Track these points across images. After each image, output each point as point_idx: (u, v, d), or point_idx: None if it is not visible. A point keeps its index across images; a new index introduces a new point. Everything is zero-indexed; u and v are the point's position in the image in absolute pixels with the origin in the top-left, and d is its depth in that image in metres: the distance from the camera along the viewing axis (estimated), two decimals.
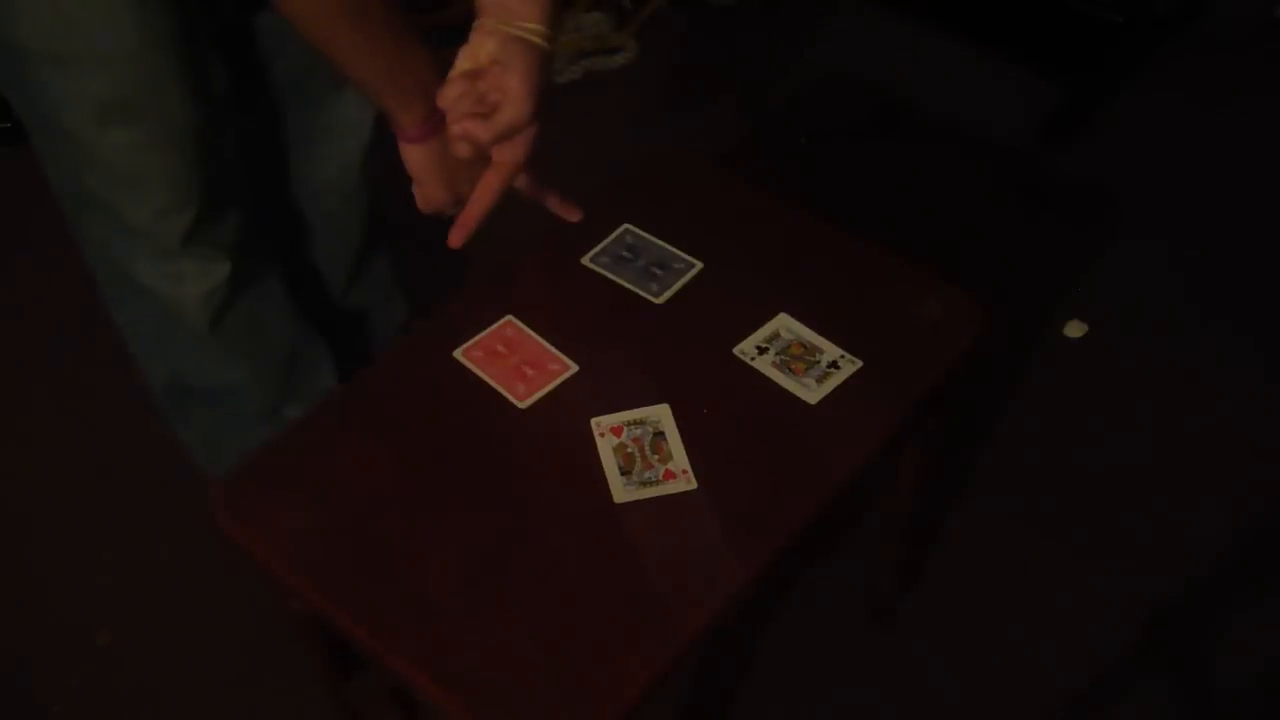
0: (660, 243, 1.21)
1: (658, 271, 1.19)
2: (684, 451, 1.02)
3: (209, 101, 1.12)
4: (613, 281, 1.18)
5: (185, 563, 1.59)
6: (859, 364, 1.09)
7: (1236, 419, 1.77)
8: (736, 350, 1.11)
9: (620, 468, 1.02)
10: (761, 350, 1.11)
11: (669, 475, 1.01)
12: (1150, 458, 1.73)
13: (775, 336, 1.12)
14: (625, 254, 1.21)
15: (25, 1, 0.98)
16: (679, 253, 1.20)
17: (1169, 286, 1.97)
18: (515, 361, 1.10)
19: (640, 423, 1.05)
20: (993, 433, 1.76)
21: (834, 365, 1.09)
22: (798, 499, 1.00)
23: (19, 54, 1.00)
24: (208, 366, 1.32)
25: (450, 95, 0.99)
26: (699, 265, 1.19)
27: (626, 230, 1.23)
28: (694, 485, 1.00)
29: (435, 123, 1.01)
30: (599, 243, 1.21)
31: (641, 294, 1.17)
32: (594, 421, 1.05)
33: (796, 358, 1.10)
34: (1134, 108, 2.29)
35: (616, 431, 1.04)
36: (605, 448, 1.03)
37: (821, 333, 1.12)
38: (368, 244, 1.49)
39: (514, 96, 0.98)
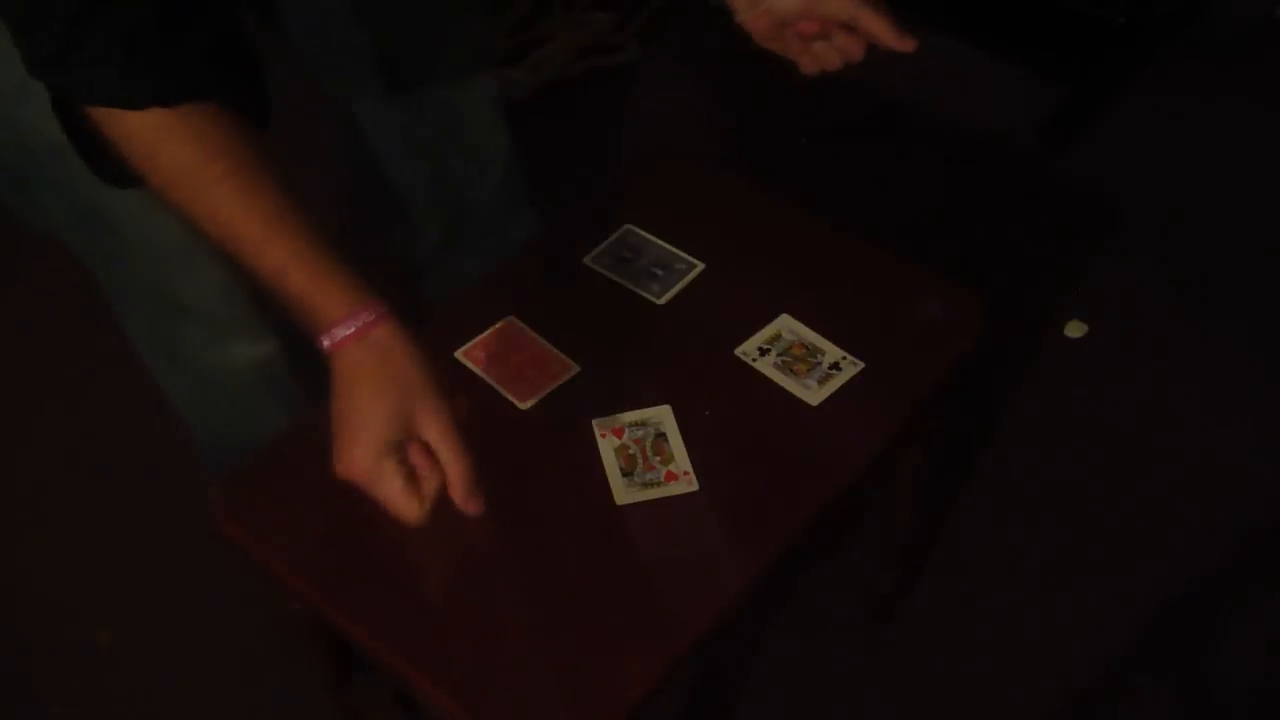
0: (661, 243, 1.21)
1: (659, 272, 1.18)
2: (685, 453, 1.02)
3: None
4: (614, 282, 1.18)
5: (185, 563, 1.59)
6: (860, 365, 1.09)
7: (1236, 419, 1.77)
8: (738, 351, 1.11)
9: (621, 469, 1.01)
10: (763, 351, 1.11)
11: (670, 477, 1.01)
12: (1150, 458, 1.73)
13: (777, 338, 1.12)
14: (626, 254, 1.20)
15: None
16: (680, 253, 1.20)
17: (1169, 287, 1.97)
18: (516, 362, 1.10)
19: (642, 424, 1.05)
20: (993, 433, 1.76)
21: (835, 367, 1.09)
22: (799, 501, 1.00)
23: (57, 151, 0.96)
24: (256, 423, 1.32)
25: None
26: (700, 266, 1.19)
27: (628, 230, 1.23)
28: (695, 487, 1.00)
29: (368, 318, 0.82)
30: (600, 243, 1.21)
31: (643, 295, 1.17)
32: (595, 423, 1.05)
33: (798, 359, 1.10)
34: (1134, 108, 2.28)
35: (618, 433, 1.04)
36: (606, 449, 1.03)
37: (823, 334, 1.12)
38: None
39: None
